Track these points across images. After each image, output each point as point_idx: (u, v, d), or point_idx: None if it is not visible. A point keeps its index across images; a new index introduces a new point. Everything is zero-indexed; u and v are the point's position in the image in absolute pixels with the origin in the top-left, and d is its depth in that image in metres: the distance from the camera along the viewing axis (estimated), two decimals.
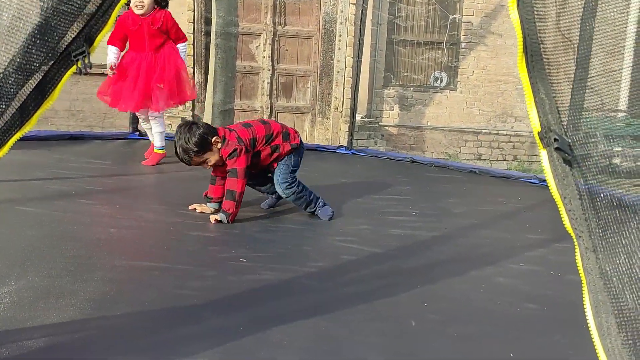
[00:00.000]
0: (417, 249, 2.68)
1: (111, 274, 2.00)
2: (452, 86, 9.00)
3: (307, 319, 1.79)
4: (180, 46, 4.02)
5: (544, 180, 1.12)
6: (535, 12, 1.10)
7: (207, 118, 6.92)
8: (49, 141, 4.81)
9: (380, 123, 8.90)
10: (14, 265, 2.01)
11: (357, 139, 8.30)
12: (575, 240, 1.10)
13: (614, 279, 1.03)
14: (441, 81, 9.21)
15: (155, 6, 3.90)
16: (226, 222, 2.76)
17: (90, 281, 1.92)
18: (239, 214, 2.86)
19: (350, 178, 4.38)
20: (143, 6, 3.81)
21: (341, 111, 8.56)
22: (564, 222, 1.15)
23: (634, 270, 1.02)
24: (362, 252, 2.58)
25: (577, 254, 1.09)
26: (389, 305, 1.97)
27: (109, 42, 3.92)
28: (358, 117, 8.51)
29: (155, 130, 4.13)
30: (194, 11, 7.98)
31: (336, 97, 8.72)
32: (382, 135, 8.81)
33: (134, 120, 5.78)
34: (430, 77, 9.18)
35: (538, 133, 1.11)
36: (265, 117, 8.81)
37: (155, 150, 4.14)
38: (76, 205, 2.94)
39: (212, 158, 2.81)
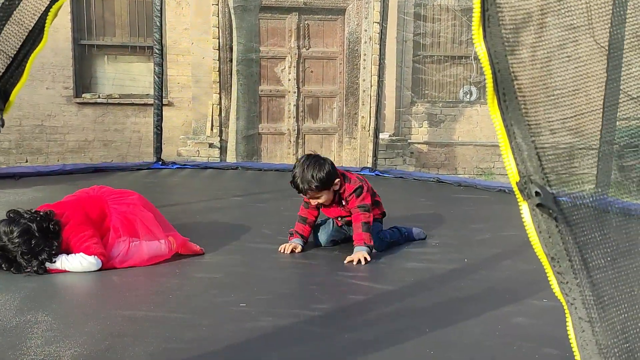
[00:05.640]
0: (432, 285, 2.52)
1: (102, 327, 1.93)
2: (483, 100, 8.76)
3: None
4: None
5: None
6: (507, 44, 0.97)
7: (231, 143, 6.94)
8: (73, 175, 4.88)
9: (409, 141, 8.73)
10: None
11: (385, 158, 8.16)
12: (566, 308, 0.95)
13: (614, 355, 0.88)
14: (471, 95, 8.99)
15: None
16: (370, 253, 2.74)
17: (77, 337, 1.85)
18: (252, 253, 2.84)
19: None
20: None
21: (368, 130, 8.45)
22: (552, 287, 1.00)
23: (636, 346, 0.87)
24: (372, 291, 2.44)
25: (569, 324, 0.94)
26: (393, 354, 1.83)
27: None
28: (386, 136, 8.37)
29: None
30: (218, 39, 8.08)
31: (363, 117, 8.61)
32: (412, 153, 8.63)
33: (158, 150, 5.84)
34: (459, 92, 8.97)
35: (516, 183, 0.98)
36: (300, 142, 8.77)
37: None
38: None
39: (325, 197, 2.80)
